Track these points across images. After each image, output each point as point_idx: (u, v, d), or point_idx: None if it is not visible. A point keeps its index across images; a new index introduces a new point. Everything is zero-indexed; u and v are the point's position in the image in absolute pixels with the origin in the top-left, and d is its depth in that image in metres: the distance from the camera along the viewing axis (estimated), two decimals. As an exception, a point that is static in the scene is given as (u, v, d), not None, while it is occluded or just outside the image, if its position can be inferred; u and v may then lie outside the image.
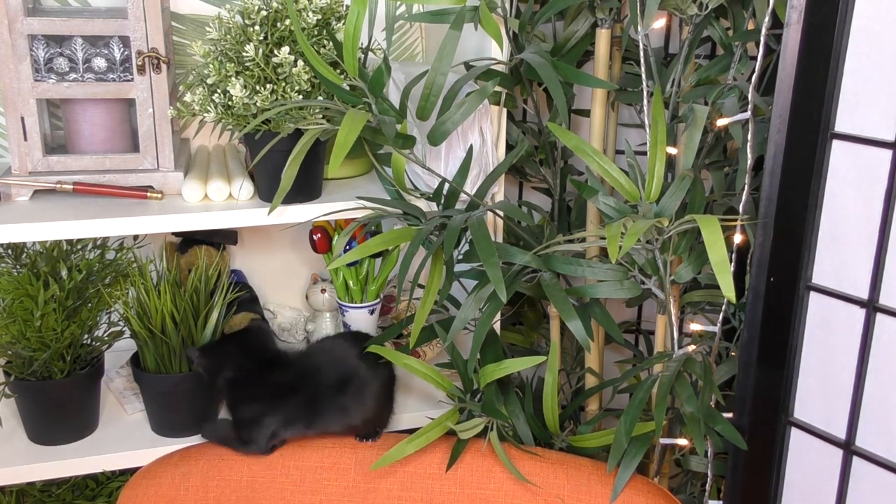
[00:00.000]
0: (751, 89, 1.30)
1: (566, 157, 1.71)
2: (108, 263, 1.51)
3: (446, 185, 1.44)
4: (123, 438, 1.54)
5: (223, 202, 1.46)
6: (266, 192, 1.45)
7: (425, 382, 1.47)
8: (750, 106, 1.30)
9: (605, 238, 1.18)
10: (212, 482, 1.43)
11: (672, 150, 1.42)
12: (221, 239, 1.70)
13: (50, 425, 1.50)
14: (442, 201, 1.45)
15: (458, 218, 1.34)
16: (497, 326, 1.58)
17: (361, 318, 1.68)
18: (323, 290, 1.80)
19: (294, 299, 1.87)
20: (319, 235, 1.66)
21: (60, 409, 1.50)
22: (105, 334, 1.55)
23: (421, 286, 1.43)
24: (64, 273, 1.45)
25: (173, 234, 1.69)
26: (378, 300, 1.70)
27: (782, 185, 1.24)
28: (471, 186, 1.46)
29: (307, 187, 1.46)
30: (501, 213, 1.51)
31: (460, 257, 1.46)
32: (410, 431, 1.42)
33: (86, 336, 1.51)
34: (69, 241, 1.51)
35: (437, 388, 1.45)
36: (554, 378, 1.43)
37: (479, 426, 1.40)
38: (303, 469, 1.44)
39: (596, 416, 1.55)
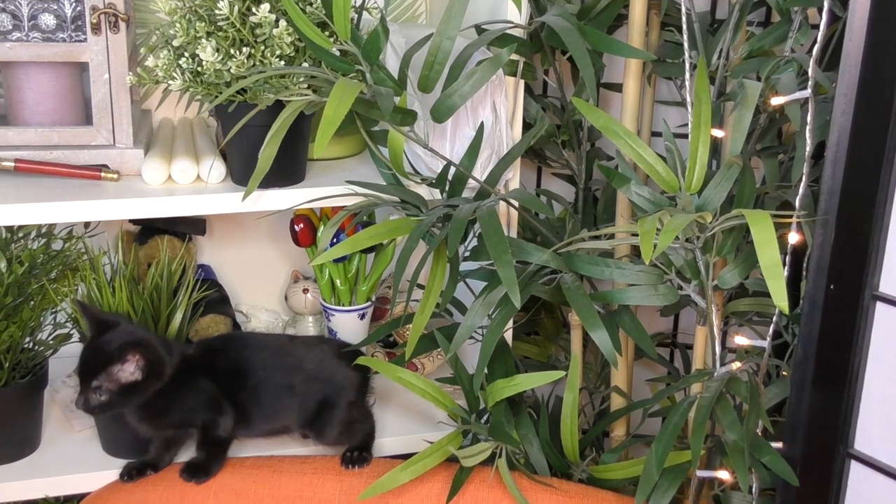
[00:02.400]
0: (811, 63, 1.30)
1: (593, 138, 1.72)
2: (55, 255, 1.51)
3: (452, 170, 1.44)
4: (70, 459, 1.53)
5: (190, 185, 1.46)
6: (240, 174, 1.45)
7: (423, 400, 1.44)
8: (810, 83, 1.30)
9: (637, 235, 1.18)
10: (171, 512, 1.43)
11: (718, 133, 1.42)
12: (187, 228, 1.70)
13: None
14: (446, 188, 1.45)
15: (465, 208, 1.34)
16: (509, 336, 1.58)
17: (349, 324, 1.68)
18: (305, 290, 1.79)
19: (271, 300, 1.87)
20: (302, 226, 1.66)
21: None
22: (50, 337, 1.54)
23: (420, 287, 1.43)
24: (2, 265, 1.44)
25: (131, 221, 1.69)
26: (369, 303, 1.70)
27: (847, 176, 1.23)
28: (481, 171, 1.45)
29: (288, 169, 1.46)
30: (516, 204, 1.50)
31: (467, 254, 1.46)
32: (405, 457, 1.42)
33: (27, 339, 1.51)
34: (9, 229, 1.50)
35: (436, 406, 1.45)
36: (574, 398, 1.43)
37: (486, 452, 1.40)
38: (278, 498, 1.45)
39: (623, 443, 1.56)
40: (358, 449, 1.50)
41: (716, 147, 1.47)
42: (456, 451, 1.39)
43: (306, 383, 1.49)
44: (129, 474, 1.47)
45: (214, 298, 1.69)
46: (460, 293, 1.58)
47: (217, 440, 1.47)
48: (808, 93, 1.31)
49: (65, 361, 1.67)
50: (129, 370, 1.37)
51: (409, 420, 1.65)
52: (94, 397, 1.37)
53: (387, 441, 1.60)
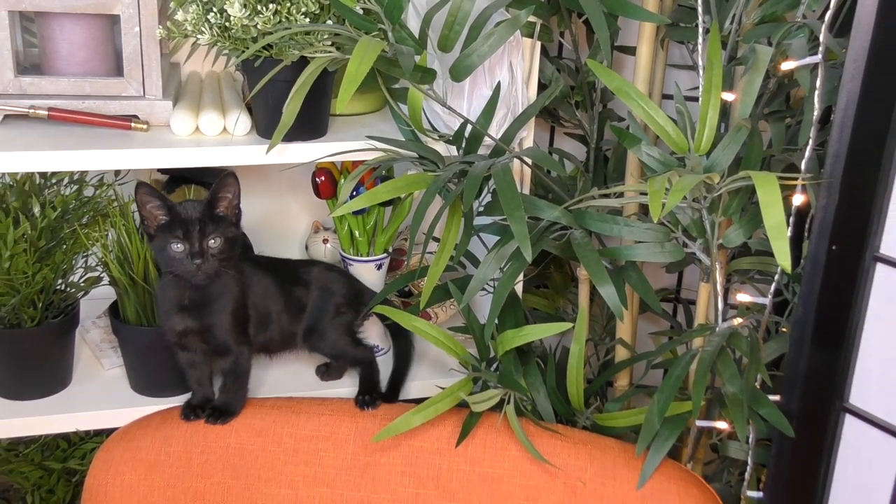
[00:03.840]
0: (823, 28, 1.28)
1: (606, 100, 1.70)
2: (86, 201, 1.51)
3: (468, 127, 1.43)
4: (99, 396, 1.54)
5: (216, 137, 1.45)
6: (265, 127, 1.44)
7: (436, 348, 1.45)
8: (821, 48, 1.28)
9: (645, 194, 1.18)
10: (196, 448, 1.44)
11: (728, 97, 1.40)
12: (213, 179, 1.62)
13: (18, 379, 1.51)
14: (463, 145, 1.44)
15: (480, 165, 1.33)
16: (519, 289, 1.57)
17: (367, 274, 1.68)
18: (325, 241, 1.80)
19: (292, 249, 1.87)
20: (323, 178, 1.65)
21: (30, 361, 1.50)
22: (81, 280, 1.54)
23: (436, 240, 1.43)
24: (36, 210, 1.44)
25: (159, 170, 1.68)
26: (386, 254, 1.69)
27: (853, 140, 1.22)
28: (496, 129, 1.45)
29: (311, 124, 1.45)
30: (529, 161, 1.50)
31: (481, 209, 1.46)
32: (418, 402, 1.43)
33: (59, 281, 1.51)
34: (43, 175, 1.50)
35: (449, 354, 1.45)
36: (580, 348, 1.43)
37: (495, 398, 1.40)
38: (297, 438, 1.45)
39: (626, 393, 1.55)
40: (369, 392, 1.51)
41: (725, 110, 1.45)
42: (466, 397, 1.40)
43: (308, 293, 1.54)
44: (194, 412, 1.48)
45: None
46: (474, 247, 1.58)
47: (242, 371, 1.48)
48: (818, 58, 1.29)
49: (95, 303, 1.68)
50: (233, 194, 1.39)
51: (422, 367, 1.65)
52: (212, 245, 1.38)
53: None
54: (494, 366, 1.46)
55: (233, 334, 1.46)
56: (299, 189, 1.84)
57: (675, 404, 1.36)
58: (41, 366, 1.51)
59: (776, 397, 1.35)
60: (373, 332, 1.66)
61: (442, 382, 1.50)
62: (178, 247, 1.37)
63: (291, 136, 1.40)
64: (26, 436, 1.62)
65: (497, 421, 1.42)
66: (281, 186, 1.84)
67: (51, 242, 1.46)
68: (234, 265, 1.42)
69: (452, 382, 1.44)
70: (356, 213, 1.64)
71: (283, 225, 1.86)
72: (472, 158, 1.39)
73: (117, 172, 1.58)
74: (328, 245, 1.80)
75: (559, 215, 1.34)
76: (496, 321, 1.39)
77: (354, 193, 1.58)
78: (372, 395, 1.50)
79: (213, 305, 1.43)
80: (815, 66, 1.29)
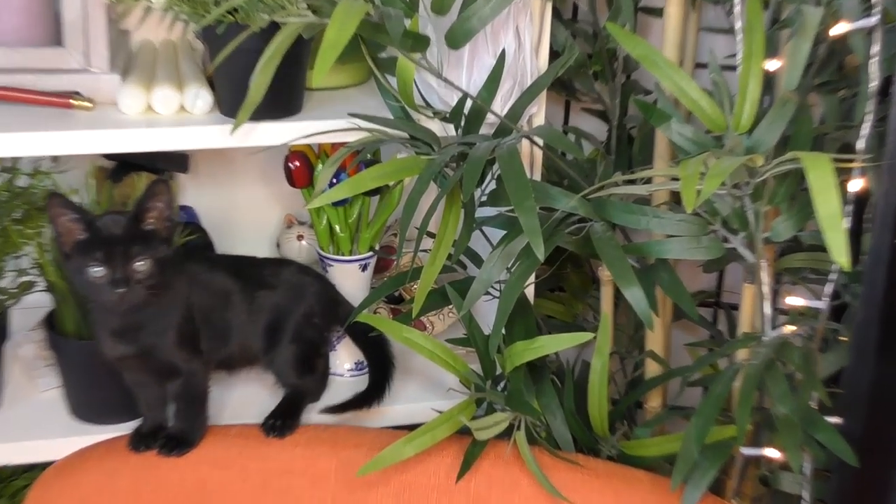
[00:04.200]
0: (880, -15, 1.28)
1: (629, 70, 1.73)
2: (19, 193, 1.52)
3: (468, 103, 1.43)
4: (33, 423, 1.55)
5: (172, 116, 1.46)
6: (229, 104, 1.45)
7: (431, 364, 1.45)
8: (878, 9, 1.29)
9: (677, 179, 1.18)
10: (147, 484, 1.45)
11: (772, 66, 1.39)
12: (168, 165, 1.71)
13: None
14: (462, 124, 1.45)
15: (482, 146, 1.33)
16: (530, 292, 1.58)
17: (350, 276, 1.68)
18: (300, 237, 1.81)
19: (261, 247, 1.88)
20: (298, 164, 1.65)
21: None
22: (12, 286, 1.55)
23: (431, 235, 1.44)
24: None
25: (104, 156, 1.69)
26: (372, 253, 1.70)
27: (919, 114, 1.21)
28: (501, 105, 1.46)
29: (283, 100, 1.46)
30: (540, 142, 1.51)
31: (484, 199, 1.46)
32: (410, 428, 1.43)
33: None
34: None
35: (447, 371, 1.46)
36: (604, 363, 1.44)
37: (503, 424, 1.40)
38: (267, 472, 1.46)
39: (658, 416, 1.58)
40: (283, 416, 1.52)
41: (769, 81, 1.44)
42: (468, 423, 1.39)
43: (270, 299, 1.55)
44: (144, 442, 1.48)
45: (198, 244, 1.71)
46: (475, 243, 1.58)
47: (198, 394, 1.50)
48: (874, 20, 1.29)
49: (28, 313, 1.67)
50: (164, 204, 1.38)
51: (415, 386, 1.67)
52: (139, 268, 1.37)
53: (390, 410, 1.62)
54: (502, 385, 1.46)
55: (180, 353, 1.46)
56: (269, 177, 1.84)
57: (716, 429, 1.35)
58: None
59: (836, 419, 1.35)
60: (343, 355, 1.69)
61: (439, 405, 1.50)
62: (97, 271, 1.35)
63: (260, 115, 1.40)
64: None
65: (505, 451, 1.42)
66: (248, 173, 1.85)
67: None
68: (168, 290, 1.41)
69: (451, 405, 1.44)
70: (336, 204, 1.64)
71: (251, 219, 1.87)
72: (473, 139, 1.40)
73: (55, 159, 1.59)
74: (303, 242, 1.80)
75: (576, 205, 1.35)
76: (503, 331, 1.38)
77: (334, 181, 1.58)
78: (286, 420, 1.51)
79: (150, 326, 1.43)
80: (872, 29, 1.30)
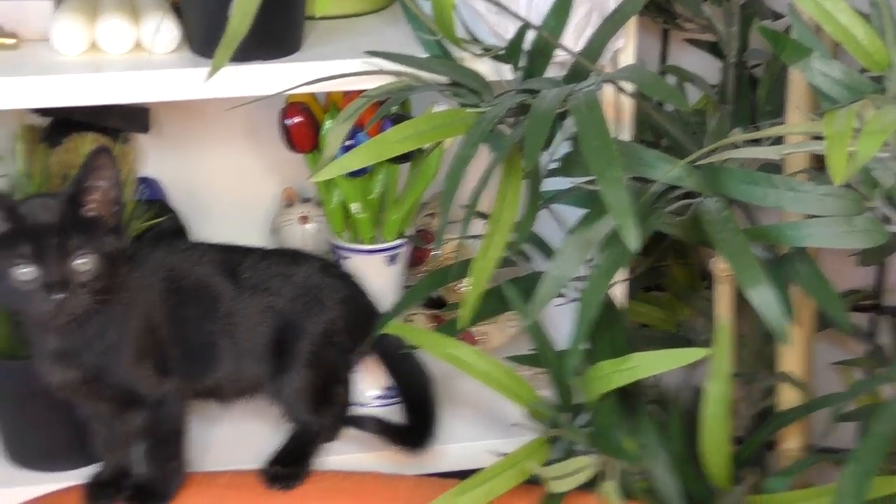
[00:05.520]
0: None
1: (751, -14, 1.70)
2: None
3: (530, 35, 1.40)
4: None
5: (125, 56, 1.45)
6: (202, 39, 1.44)
7: (486, 390, 1.42)
8: None
9: (820, 138, 1.15)
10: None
11: None
12: (121, 123, 1.70)
13: None
14: (522, 63, 1.42)
15: (550, 95, 1.30)
16: (619, 293, 1.57)
17: (373, 270, 1.66)
18: (303, 220, 1.80)
19: (251, 233, 1.85)
20: (298, 120, 1.63)
21: None
22: None
23: (482, 216, 1.42)
24: None
25: (36, 111, 1.67)
26: (403, 241, 1.69)
27: None
28: (574, 39, 1.43)
29: (276, 33, 1.45)
30: (630, 88, 1.48)
31: (554, 166, 1.42)
32: (461, 476, 1.41)
33: None
34: None
35: (508, 399, 1.43)
36: (724, 390, 1.39)
37: (586, 472, 1.38)
38: None
39: (799, 462, 1.53)
40: (289, 462, 1.52)
41: None
42: (539, 470, 1.37)
43: (275, 308, 1.53)
44: (104, 495, 1.47)
45: (165, 230, 1.69)
46: (543, 226, 1.52)
47: (170, 431, 1.48)
48: None
49: None
50: (109, 181, 1.35)
51: (464, 420, 1.67)
52: (80, 267, 1.33)
53: (431, 450, 1.60)
54: (583, 419, 1.43)
55: (141, 377, 1.45)
56: (260, 138, 1.84)
57: (881, 480, 1.31)
58: None
59: None
60: (367, 378, 1.69)
61: (498, 445, 1.48)
62: (24, 273, 1.33)
63: (245, 54, 1.38)
64: None
65: None
66: (230, 134, 1.84)
67: None
68: (121, 294, 1.40)
69: (516, 446, 1.42)
70: (352, 174, 1.62)
71: (235, 195, 1.87)
72: (538, 85, 1.37)
73: None
74: (308, 226, 1.80)
75: (680, 175, 1.31)
76: (584, 346, 1.36)
77: (349, 143, 1.55)
78: (294, 466, 1.52)
79: (99, 343, 1.41)
80: None
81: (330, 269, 1.61)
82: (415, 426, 1.60)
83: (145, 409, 1.45)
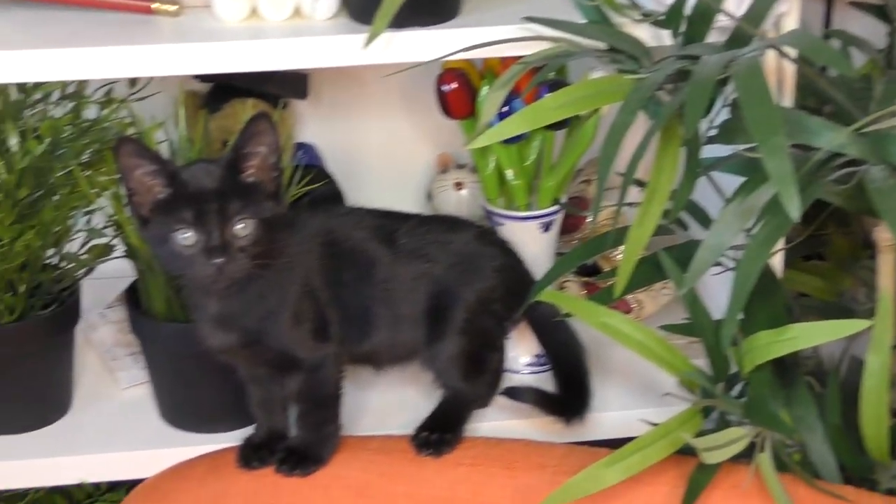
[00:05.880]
0: None
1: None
2: (88, 127, 1.52)
3: (691, 0, 1.41)
4: (112, 430, 1.58)
5: (285, 23, 1.46)
6: (361, 5, 1.45)
7: (640, 360, 1.43)
8: None
9: None
10: (261, 511, 1.48)
11: None
12: (281, 89, 1.73)
13: None
14: (683, 29, 1.43)
15: (711, 61, 1.31)
16: (778, 263, 1.57)
17: (527, 237, 1.68)
18: (458, 186, 1.83)
19: (406, 198, 1.89)
20: (455, 86, 1.65)
21: (9, 374, 1.52)
22: (83, 250, 1.56)
23: (639, 184, 1.42)
24: (13, 142, 1.45)
25: (196, 78, 1.71)
26: (558, 207, 1.70)
27: None
28: (736, 3, 1.42)
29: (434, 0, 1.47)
30: (793, 54, 1.45)
31: (713, 133, 1.43)
32: (612, 444, 1.42)
33: (51, 252, 1.53)
34: (21, 87, 1.52)
35: (661, 368, 1.44)
36: (884, 362, 1.38)
37: (740, 443, 1.38)
38: (418, 500, 1.47)
39: None
40: (441, 429, 1.52)
41: None
42: (692, 440, 1.36)
43: (433, 274, 1.54)
44: (258, 456, 1.49)
45: (322, 194, 1.71)
46: (701, 194, 1.52)
47: (327, 395, 1.50)
48: None
49: (104, 285, 1.70)
50: (268, 147, 1.37)
51: (617, 389, 1.67)
52: (240, 232, 1.35)
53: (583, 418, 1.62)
54: (738, 389, 1.44)
55: (301, 341, 1.47)
56: (416, 104, 1.86)
57: None
58: (26, 382, 1.53)
59: None
60: (520, 345, 1.70)
61: (651, 415, 1.48)
62: (185, 237, 1.35)
63: (403, 20, 1.39)
64: (6, 490, 1.63)
65: (744, 479, 1.39)
66: (387, 100, 1.87)
67: (35, 192, 1.46)
68: (280, 259, 1.40)
69: (669, 415, 1.42)
70: (508, 141, 1.63)
71: (391, 161, 1.89)
72: (698, 51, 1.37)
73: (133, 82, 1.60)
74: (463, 192, 1.82)
75: (844, 142, 1.30)
76: (741, 316, 1.35)
77: (505, 110, 1.57)
78: (445, 432, 1.52)
79: (259, 307, 1.44)
80: None
81: (487, 236, 1.61)
82: (569, 395, 1.61)
83: (303, 373, 1.47)
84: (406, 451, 1.49)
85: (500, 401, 1.62)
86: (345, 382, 1.51)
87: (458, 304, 1.54)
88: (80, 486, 1.67)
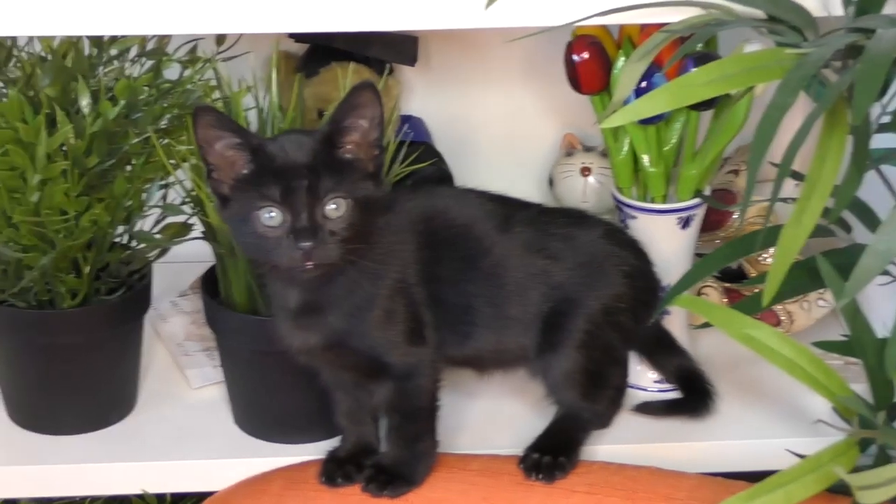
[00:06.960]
0: None
1: None
2: (167, 89, 1.55)
3: None
4: (180, 436, 1.60)
5: None
6: None
7: (788, 380, 1.42)
8: None
9: None
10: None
11: None
12: (386, 53, 1.76)
13: (48, 398, 1.55)
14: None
15: (889, 35, 1.28)
16: None
17: (662, 233, 1.68)
18: (585, 171, 1.84)
19: (524, 183, 1.89)
20: (586, 56, 1.64)
21: (69, 367, 1.54)
22: (157, 228, 1.58)
23: (797, 176, 1.44)
24: (84, 103, 1.47)
25: (291, 37, 1.73)
26: (700, 200, 1.69)
27: None
28: None
29: None
30: None
31: (886, 120, 1.42)
32: (751, 478, 1.41)
33: (120, 229, 1.55)
34: (95, 42, 1.54)
35: (813, 391, 1.42)
36: None
37: None
38: None
39: None
40: (552, 446, 1.52)
41: None
42: (847, 476, 1.34)
43: (552, 275, 1.55)
44: (343, 472, 1.50)
45: (429, 175, 1.73)
46: (869, 191, 1.49)
47: (422, 408, 1.51)
48: None
49: (178, 270, 1.75)
50: (370, 121, 1.37)
51: (759, 413, 1.67)
52: (331, 213, 1.36)
53: (716, 446, 1.62)
54: None
55: (393, 343, 1.47)
56: (540, 75, 1.87)
57: None
58: (88, 376, 1.55)
59: None
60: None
61: (798, 445, 1.49)
62: (270, 217, 1.35)
63: None
64: (61, 497, 1.64)
65: None
66: (508, 70, 1.88)
67: (107, 160, 1.47)
68: (375, 247, 1.41)
69: (820, 446, 1.39)
70: (646, 121, 1.63)
71: (509, 140, 1.90)
72: (874, 22, 1.34)
73: (220, 40, 1.61)
74: (591, 179, 1.83)
75: None
76: None
77: (644, 86, 1.57)
78: (558, 455, 1.51)
79: (347, 303, 1.44)
80: None
81: (617, 235, 1.61)
82: (692, 394, 1.63)
83: (393, 381, 1.48)
84: (513, 475, 1.49)
85: (621, 421, 1.61)
86: (442, 393, 1.52)
87: (579, 312, 1.54)
88: (141, 497, 1.66)
